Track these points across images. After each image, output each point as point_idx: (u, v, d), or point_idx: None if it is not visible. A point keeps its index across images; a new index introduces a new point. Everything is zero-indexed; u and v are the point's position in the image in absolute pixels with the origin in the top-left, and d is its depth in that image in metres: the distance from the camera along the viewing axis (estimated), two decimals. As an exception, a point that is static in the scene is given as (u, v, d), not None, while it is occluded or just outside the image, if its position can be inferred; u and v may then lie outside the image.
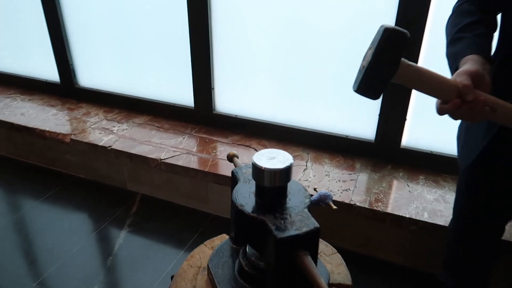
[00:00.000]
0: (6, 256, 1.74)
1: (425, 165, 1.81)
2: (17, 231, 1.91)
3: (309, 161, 1.90)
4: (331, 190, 1.68)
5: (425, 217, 1.54)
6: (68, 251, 1.76)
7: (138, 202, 2.10)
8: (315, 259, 0.79)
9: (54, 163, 2.37)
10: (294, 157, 1.91)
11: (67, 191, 2.19)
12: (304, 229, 0.77)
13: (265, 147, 2.00)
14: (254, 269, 0.90)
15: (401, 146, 1.84)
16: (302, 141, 2.01)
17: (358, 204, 1.61)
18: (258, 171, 0.82)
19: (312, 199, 0.92)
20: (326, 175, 1.79)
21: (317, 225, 0.78)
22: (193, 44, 2.02)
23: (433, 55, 1.60)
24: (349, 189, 1.70)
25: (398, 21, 1.61)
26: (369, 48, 0.78)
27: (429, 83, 0.78)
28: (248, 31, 1.91)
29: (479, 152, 0.98)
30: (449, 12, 0.99)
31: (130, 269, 1.68)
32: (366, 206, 1.59)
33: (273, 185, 0.83)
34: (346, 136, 1.92)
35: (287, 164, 0.82)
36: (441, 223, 1.50)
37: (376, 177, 1.79)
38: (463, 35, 0.89)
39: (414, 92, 1.72)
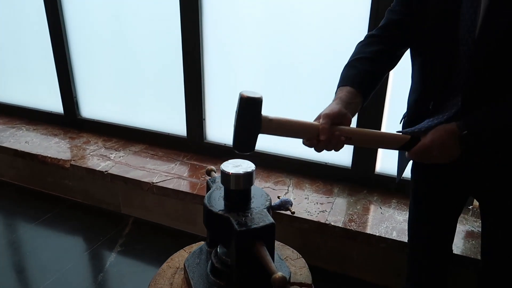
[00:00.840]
0: (2, 273, 1.84)
1: (398, 189, 1.95)
2: (13, 250, 2.02)
3: (290, 185, 2.03)
4: (308, 211, 1.81)
5: (394, 235, 1.66)
6: (61, 268, 1.86)
7: (130, 224, 2.22)
8: (271, 250, 0.92)
9: (53, 188, 2.50)
10: (277, 183, 2.06)
11: (63, 214, 2.31)
12: (261, 224, 0.91)
13: (251, 173, 2.14)
14: (223, 265, 1.03)
15: (375, 172, 1.99)
16: (285, 167, 2.15)
17: (332, 223, 1.73)
18: (225, 176, 0.97)
19: (274, 204, 1.06)
20: (305, 198, 1.93)
21: (272, 221, 0.92)
22: (186, 78, 2.22)
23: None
24: (325, 210, 1.83)
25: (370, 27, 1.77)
26: (235, 112, 0.93)
27: (292, 130, 0.96)
28: (236, 68, 2.11)
29: (404, 168, 1.17)
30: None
31: (119, 285, 1.78)
32: (340, 225, 1.72)
33: (238, 188, 0.97)
34: (325, 163, 2.07)
35: (249, 170, 0.97)
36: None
37: (352, 200, 1.92)
38: (355, 65, 1.07)
39: (384, 123, 1.89)
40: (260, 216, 0.94)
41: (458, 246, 1.62)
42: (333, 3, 1.80)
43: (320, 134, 0.93)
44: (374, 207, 1.87)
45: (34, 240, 2.09)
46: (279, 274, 0.80)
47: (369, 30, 1.76)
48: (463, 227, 1.72)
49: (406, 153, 1.02)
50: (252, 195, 1.02)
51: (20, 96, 2.86)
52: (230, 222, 0.92)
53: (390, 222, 1.75)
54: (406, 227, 1.68)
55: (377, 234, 1.66)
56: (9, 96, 2.90)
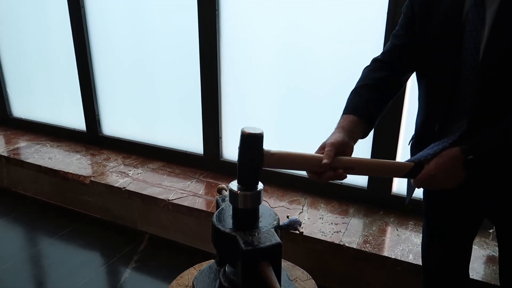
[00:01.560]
0: (22, 285, 1.89)
1: (415, 211, 1.91)
2: (33, 263, 2.07)
3: (305, 205, 2.02)
4: (323, 232, 1.79)
5: (410, 258, 1.62)
6: (78, 282, 1.89)
7: (146, 241, 2.24)
8: (277, 271, 0.91)
9: (73, 203, 2.57)
10: (292, 202, 2.05)
11: (82, 229, 2.36)
12: (267, 244, 0.91)
13: (267, 192, 2.14)
14: (231, 285, 1.03)
15: (392, 193, 1.95)
16: (301, 187, 2.15)
17: (347, 244, 1.70)
18: (233, 195, 0.98)
19: (283, 223, 1.06)
20: (320, 218, 1.91)
21: (279, 241, 0.92)
22: (204, 98, 2.26)
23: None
24: (340, 231, 1.80)
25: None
26: (238, 148, 0.95)
27: (294, 162, 0.98)
28: (252, 89, 2.14)
29: (412, 191, 1.15)
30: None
31: (132, 302, 1.80)
32: (354, 247, 1.69)
33: (245, 207, 0.98)
34: (341, 183, 2.05)
35: (257, 189, 0.98)
36: (425, 265, 1.57)
37: (367, 221, 1.89)
38: (360, 92, 1.09)
39: (401, 141, 1.87)
40: (267, 236, 0.93)
41: (478, 271, 1.56)
42: (347, 25, 1.82)
43: (323, 168, 0.95)
44: (391, 228, 1.83)
45: (53, 254, 2.14)
46: (283, 295, 0.79)
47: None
48: (483, 252, 1.66)
49: (411, 180, 1.01)
50: (260, 214, 1.02)
51: (46, 114, 2.97)
52: (237, 241, 0.92)
53: (406, 244, 1.71)
54: (423, 250, 1.65)
55: (393, 257, 1.63)
56: (36, 114, 3.02)
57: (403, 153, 1.88)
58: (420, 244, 1.68)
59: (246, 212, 0.98)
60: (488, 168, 0.95)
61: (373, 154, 1.91)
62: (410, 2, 1.05)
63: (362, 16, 1.79)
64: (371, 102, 1.06)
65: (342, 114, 1.07)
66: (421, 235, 1.75)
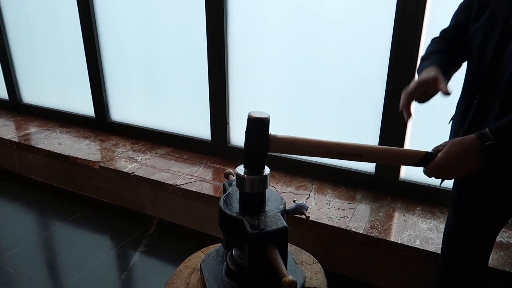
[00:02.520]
0: (34, 267, 1.93)
1: (422, 197, 1.90)
2: (45, 246, 2.12)
3: (312, 191, 2.03)
4: (329, 217, 1.80)
5: (417, 243, 1.62)
6: (88, 265, 1.93)
7: (155, 225, 2.27)
8: (284, 254, 0.92)
9: (83, 188, 2.60)
10: (299, 188, 2.06)
11: (92, 213, 2.40)
12: (274, 227, 0.92)
13: (274, 177, 2.15)
14: (237, 268, 1.04)
15: (400, 179, 1.95)
16: (308, 172, 2.15)
17: (353, 230, 1.71)
18: (240, 180, 0.99)
19: (289, 208, 1.07)
20: (327, 203, 1.91)
21: (285, 225, 0.93)
22: (211, 84, 2.26)
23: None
24: (347, 216, 1.81)
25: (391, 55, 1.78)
26: (245, 132, 0.96)
27: (301, 148, 0.98)
28: (260, 74, 2.13)
29: None
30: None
31: (142, 284, 1.83)
32: (361, 232, 1.69)
33: (252, 191, 0.98)
34: (348, 168, 2.05)
35: (264, 174, 0.98)
36: (432, 250, 1.58)
37: (374, 207, 1.89)
38: (430, 56, 1.13)
39: (409, 127, 1.85)
40: (273, 220, 0.94)
41: (485, 257, 1.56)
42: (355, 13, 1.80)
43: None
44: (398, 214, 1.83)
45: (64, 237, 2.18)
46: (289, 277, 0.80)
47: (391, 51, 1.76)
48: (491, 238, 1.66)
49: (423, 169, 0.99)
50: (267, 198, 1.03)
51: (56, 100, 2.99)
52: (244, 224, 0.93)
53: (413, 230, 1.71)
54: (430, 236, 1.66)
55: (400, 242, 1.63)
56: (46, 100, 3.05)
57: (411, 141, 1.86)
58: (427, 230, 1.69)
59: (253, 196, 0.99)
60: (508, 154, 0.93)
61: (381, 141, 1.90)
62: None
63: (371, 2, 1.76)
64: (445, 60, 1.11)
65: (425, 67, 1.08)
66: (429, 220, 1.76)
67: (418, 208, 1.86)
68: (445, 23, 1.21)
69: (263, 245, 0.90)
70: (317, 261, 1.20)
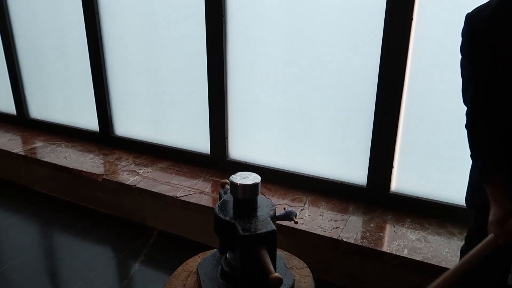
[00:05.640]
0: (38, 275, 2.00)
1: (412, 209, 1.98)
2: (48, 255, 2.19)
3: (307, 203, 2.11)
4: (322, 228, 1.87)
5: (405, 253, 1.69)
6: (90, 273, 2.01)
7: (155, 236, 2.35)
8: (273, 255, 1.01)
9: (86, 200, 2.69)
10: (294, 200, 2.14)
11: (94, 224, 2.48)
12: (264, 230, 1.00)
13: (270, 190, 2.24)
14: (231, 269, 1.12)
15: (390, 192, 2.03)
16: (303, 186, 2.23)
17: (344, 239, 1.78)
18: (233, 186, 1.08)
19: (279, 214, 1.15)
20: (320, 215, 1.99)
21: (274, 228, 1.02)
22: (211, 100, 2.37)
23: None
24: (339, 227, 1.88)
25: (380, 77, 1.88)
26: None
27: None
28: (257, 91, 2.24)
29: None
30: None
31: (141, 292, 1.90)
32: (352, 242, 1.77)
33: (244, 197, 1.07)
34: (341, 181, 2.14)
35: (256, 181, 1.07)
36: (419, 259, 1.65)
37: (366, 218, 1.97)
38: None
39: (399, 141, 1.95)
40: (263, 224, 1.03)
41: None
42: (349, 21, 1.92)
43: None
44: (388, 225, 1.91)
45: (67, 247, 2.25)
46: (276, 274, 0.88)
47: (379, 73, 1.86)
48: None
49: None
50: (258, 204, 1.12)
51: (61, 115, 3.11)
52: (236, 227, 1.02)
53: (402, 240, 1.78)
54: (418, 246, 1.73)
55: (388, 251, 1.70)
56: (52, 115, 3.16)
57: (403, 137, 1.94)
58: (415, 240, 1.77)
59: (245, 202, 1.08)
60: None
61: (374, 139, 1.98)
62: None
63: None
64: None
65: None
66: (417, 231, 1.84)
67: (408, 220, 1.94)
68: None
69: (253, 246, 0.98)
70: (306, 265, 1.28)
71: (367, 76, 1.92)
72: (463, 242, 1.35)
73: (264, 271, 0.95)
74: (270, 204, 1.13)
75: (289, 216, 1.15)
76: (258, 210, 1.10)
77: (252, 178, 1.09)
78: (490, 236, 1.01)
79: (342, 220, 1.94)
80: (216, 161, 2.47)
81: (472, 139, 1.13)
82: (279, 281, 0.87)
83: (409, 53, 1.81)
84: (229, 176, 1.98)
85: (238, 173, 1.11)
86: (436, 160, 1.89)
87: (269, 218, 1.05)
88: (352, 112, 2.01)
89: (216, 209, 1.10)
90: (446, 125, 1.83)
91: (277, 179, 2.28)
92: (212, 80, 2.33)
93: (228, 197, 1.17)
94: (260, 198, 1.13)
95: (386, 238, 1.80)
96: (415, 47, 1.79)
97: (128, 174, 2.46)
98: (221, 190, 1.23)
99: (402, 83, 1.85)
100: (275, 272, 0.91)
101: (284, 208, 1.19)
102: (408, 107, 1.88)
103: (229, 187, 1.30)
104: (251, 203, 1.09)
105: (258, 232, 0.99)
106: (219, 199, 1.21)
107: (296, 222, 1.16)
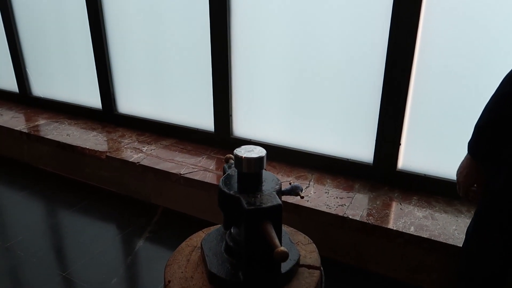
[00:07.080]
0: (43, 251, 2.01)
1: (419, 187, 1.95)
2: (53, 233, 2.19)
3: (312, 180, 2.08)
4: (328, 205, 1.85)
5: (411, 230, 1.67)
6: (95, 250, 2.01)
7: (159, 214, 2.34)
8: (278, 230, 0.98)
9: (90, 178, 2.68)
10: (299, 177, 2.11)
11: (98, 202, 2.48)
12: (269, 204, 0.98)
13: (275, 168, 2.21)
14: (235, 244, 1.10)
15: (397, 169, 2.00)
16: (308, 163, 2.20)
17: (350, 217, 1.76)
18: (238, 160, 1.05)
19: (285, 189, 1.12)
20: (326, 192, 1.97)
21: (279, 202, 0.99)
22: (215, 77, 2.32)
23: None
24: (344, 204, 1.86)
25: (388, 55, 1.83)
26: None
27: None
28: (262, 67, 2.19)
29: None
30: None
31: (146, 267, 1.90)
32: (357, 219, 1.75)
33: (249, 171, 1.04)
34: (347, 159, 2.11)
35: (261, 155, 1.04)
36: (425, 236, 1.63)
37: (372, 196, 1.94)
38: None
39: (407, 118, 1.90)
40: (268, 198, 1.00)
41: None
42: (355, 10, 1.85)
43: None
44: (394, 203, 1.88)
45: (71, 224, 2.26)
46: (281, 248, 0.86)
47: (388, 48, 1.80)
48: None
49: None
50: (264, 179, 1.09)
51: (64, 93, 3.07)
52: (241, 202, 0.99)
53: (408, 217, 1.76)
54: (425, 223, 1.71)
55: (395, 228, 1.68)
56: (55, 93, 3.13)
57: (411, 114, 1.90)
58: (422, 218, 1.74)
59: (250, 176, 1.05)
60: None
61: (381, 116, 1.94)
62: None
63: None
64: None
65: None
66: (424, 209, 1.81)
67: (415, 198, 1.91)
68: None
69: (258, 221, 0.96)
70: (312, 241, 1.26)
71: (375, 50, 1.86)
72: (470, 220, 1.32)
73: (269, 246, 0.93)
74: (276, 178, 1.10)
75: (295, 191, 1.12)
76: (263, 184, 1.07)
77: (257, 151, 1.05)
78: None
79: (348, 197, 1.92)
80: (220, 139, 2.44)
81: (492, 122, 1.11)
82: (285, 255, 0.85)
83: (420, 23, 1.73)
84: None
85: (243, 146, 1.08)
86: (445, 137, 1.85)
87: (274, 193, 1.03)
88: (359, 88, 1.96)
89: (220, 184, 1.07)
90: (456, 101, 1.77)
91: (282, 156, 2.25)
92: (216, 56, 2.27)
93: (233, 171, 1.14)
94: (265, 173, 1.10)
95: (392, 216, 1.78)
96: (426, 16, 1.73)
97: (131, 152, 2.44)
98: (225, 165, 1.20)
99: (412, 57, 1.79)
100: (281, 246, 0.89)
101: (290, 183, 1.16)
102: (417, 82, 1.83)
103: (233, 161, 1.27)
104: (256, 177, 1.06)
105: (263, 206, 0.96)
106: (223, 174, 1.18)
107: (302, 197, 1.13)
